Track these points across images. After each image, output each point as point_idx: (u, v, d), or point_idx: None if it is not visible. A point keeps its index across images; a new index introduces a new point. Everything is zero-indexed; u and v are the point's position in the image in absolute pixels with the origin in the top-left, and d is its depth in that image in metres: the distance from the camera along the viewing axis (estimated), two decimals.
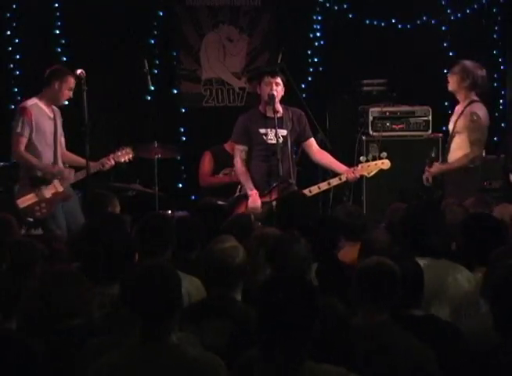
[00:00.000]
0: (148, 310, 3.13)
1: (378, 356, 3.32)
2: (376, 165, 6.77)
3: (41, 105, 6.71)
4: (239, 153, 6.77)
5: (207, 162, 7.88)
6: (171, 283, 3.17)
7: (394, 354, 3.32)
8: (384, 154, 6.83)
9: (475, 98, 6.83)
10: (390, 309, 3.47)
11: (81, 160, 6.73)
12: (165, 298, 3.13)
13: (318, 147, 6.92)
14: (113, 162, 6.81)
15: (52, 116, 6.77)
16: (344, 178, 6.66)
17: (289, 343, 2.83)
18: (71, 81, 6.64)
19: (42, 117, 6.71)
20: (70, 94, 6.70)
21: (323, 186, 6.69)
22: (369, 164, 6.76)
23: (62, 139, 6.89)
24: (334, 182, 6.71)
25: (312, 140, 6.90)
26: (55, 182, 6.74)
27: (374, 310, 3.44)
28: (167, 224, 4.63)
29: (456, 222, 4.59)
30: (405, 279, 3.51)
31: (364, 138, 7.97)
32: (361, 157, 6.91)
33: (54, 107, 6.81)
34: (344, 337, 3.20)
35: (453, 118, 6.92)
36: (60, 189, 6.74)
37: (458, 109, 6.91)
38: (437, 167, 6.82)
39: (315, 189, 6.64)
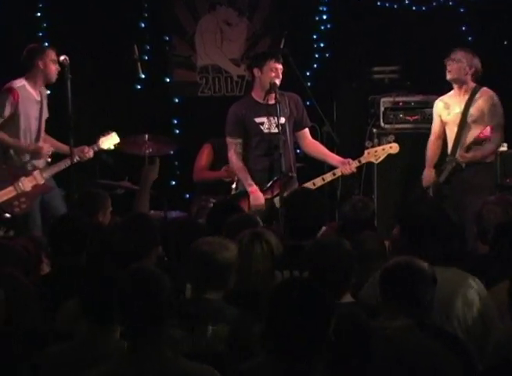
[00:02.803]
0: (134, 318, 3.10)
1: (398, 363, 3.26)
2: (384, 150, 6.77)
3: (29, 88, 6.74)
4: (233, 146, 6.68)
5: (205, 155, 7.84)
6: (157, 289, 3.12)
7: (417, 362, 3.27)
8: (392, 137, 7.03)
9: (476, 84, 6.94)
10: (417, 315, 3.43)
11: (63, 147, 6.76)
12: (151, 305, 3.09)
13: (311, 139, 6.89)
14: (91, 154, 6.77)
15: (38, 99, 6.80)
16: (338, 173, 6.63)
17: (297, 351, 2.81)
18: (52, 54, 6.68)
19: (29, 101, 6.73)
20: (57, 67, 6.68)
21: (318, 182, 6.64)
22: (376, 149, 6.78)
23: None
24: (328, 177, 6.67)
25: (307, 131, 6.86)
26: (36, 173, 6.73)
27: (397, 314, 3.41)
28: (150, 224, 4.66)
29: (496, 223, 4.63)
30: None
31: (375, 130, 7.84)
32: (366, 143, 7.03)
33: (42, 89, 6.81)
34: (364, 345, 3.15)
35: (455, 108, 6.94)
36: (41, 181, 6.72)
37: (458, 98, 6.95)
38: (471, 154, 6.75)
39: (309, 186, 6.57)
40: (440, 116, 7.08)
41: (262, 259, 4.04)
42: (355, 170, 6.65)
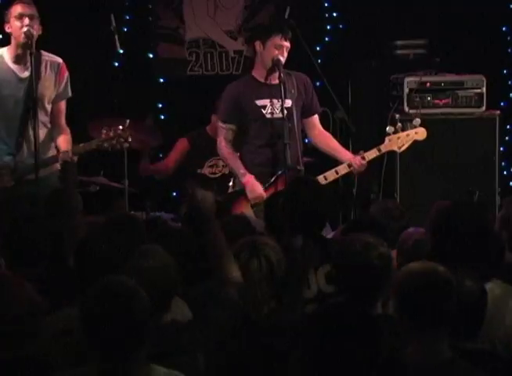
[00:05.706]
0: (107, 344, 3.11)
1: None
2: (409, 136, 6.74)
3: (8, 61, 6.39)
4: (223, 132, 6.63)
5: (178, 150, 7.96)
6: (136, 306, 3.14)
7: None
8: (418, 121, 6.79)
9: None
10: (448, 339, 3.37)
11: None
12: (130, 325, 3.10)
13: (321, 128, 6.86)
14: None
15: (24, 76, 6.41)
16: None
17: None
18: (15, 9, 6.30)
19: (1, 78, 6.38)
20: (23, 22, 6.27)
21: (330, 175, 6.61)
22: (399, 135, 6.73)
23: (61, 106, 6.59)
24: (342, 170, 6.65)
25: (316, 118, 6.83)
26: None
27: (429, 341, 3.34)
28: (137, 226, 4.70)
29: None
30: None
31: (397, 116, 7.70)
32: (387, 128, 6.83)
33: (49, 61, 6.47)
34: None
35: None
36: None
37: None
38: None
39: (320, 180, 6.46)
40: None
41: (259, 282, 3.99)
42: (366, 165, 6.61)
